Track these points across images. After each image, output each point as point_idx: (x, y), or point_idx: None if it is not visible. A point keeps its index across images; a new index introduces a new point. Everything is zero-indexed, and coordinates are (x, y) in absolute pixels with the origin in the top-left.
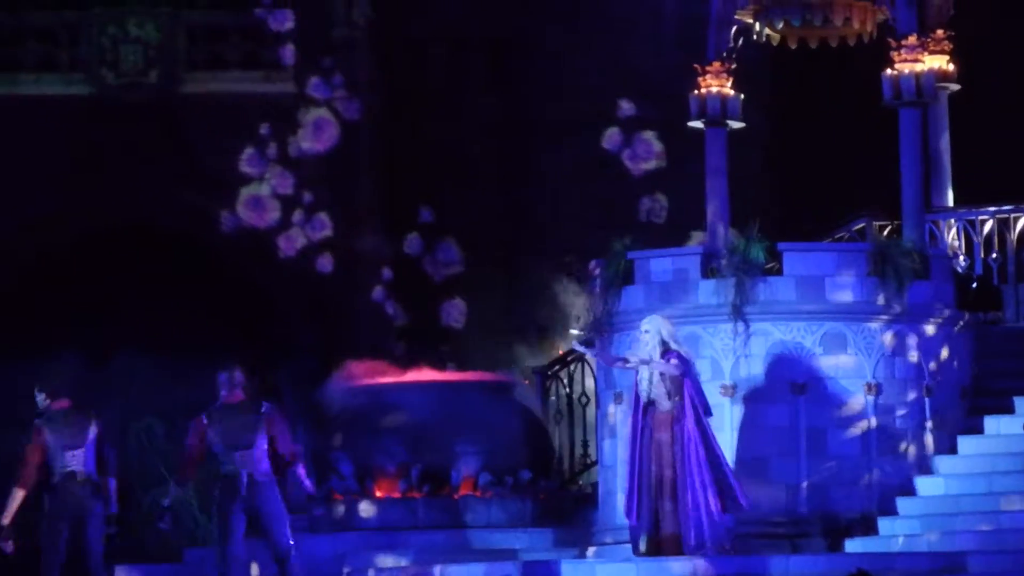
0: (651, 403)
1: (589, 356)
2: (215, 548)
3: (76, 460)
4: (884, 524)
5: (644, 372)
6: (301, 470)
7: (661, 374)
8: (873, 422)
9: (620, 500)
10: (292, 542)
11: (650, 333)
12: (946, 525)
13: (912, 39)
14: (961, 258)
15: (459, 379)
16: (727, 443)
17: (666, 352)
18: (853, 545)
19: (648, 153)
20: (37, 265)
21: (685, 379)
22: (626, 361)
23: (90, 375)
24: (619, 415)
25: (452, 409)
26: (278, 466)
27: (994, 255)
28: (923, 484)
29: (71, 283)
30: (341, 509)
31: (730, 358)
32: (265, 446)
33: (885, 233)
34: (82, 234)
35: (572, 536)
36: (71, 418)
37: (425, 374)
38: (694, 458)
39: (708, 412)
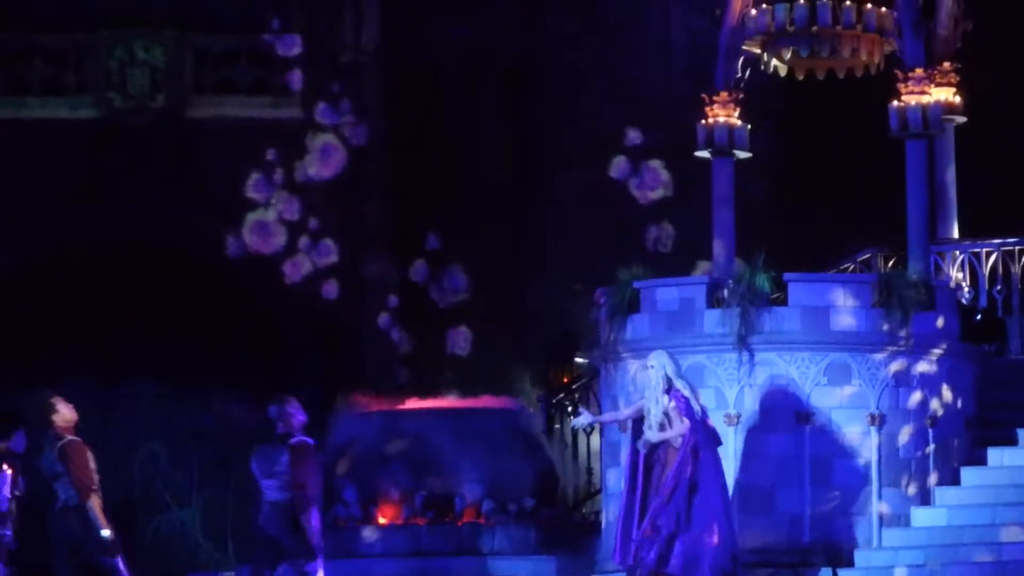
0: (660, 443)
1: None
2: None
3: None
4: (887, 554)
5: (652, 408)
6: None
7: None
8: (877, 453)
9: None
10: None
11: (655, 369)
12: (948, 556)
13: (919, 71)
14: (966, 290)
15: (464, 406)
16: (730, 472)
17: (670, 390)
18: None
19: (655, 182)
20: (42, 289)
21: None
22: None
23: (96, 400)
24: (623, 443)
25: (457, 436)
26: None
27: (999, 287)
28: (925, 515)
29: (77, 307)
30: (345, 535)
31: (734, 387)
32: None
33: (890, 264)
34: (87, 258)
35: (576, 564)
36: None
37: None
38: (681, 500)
39: (718, 442)
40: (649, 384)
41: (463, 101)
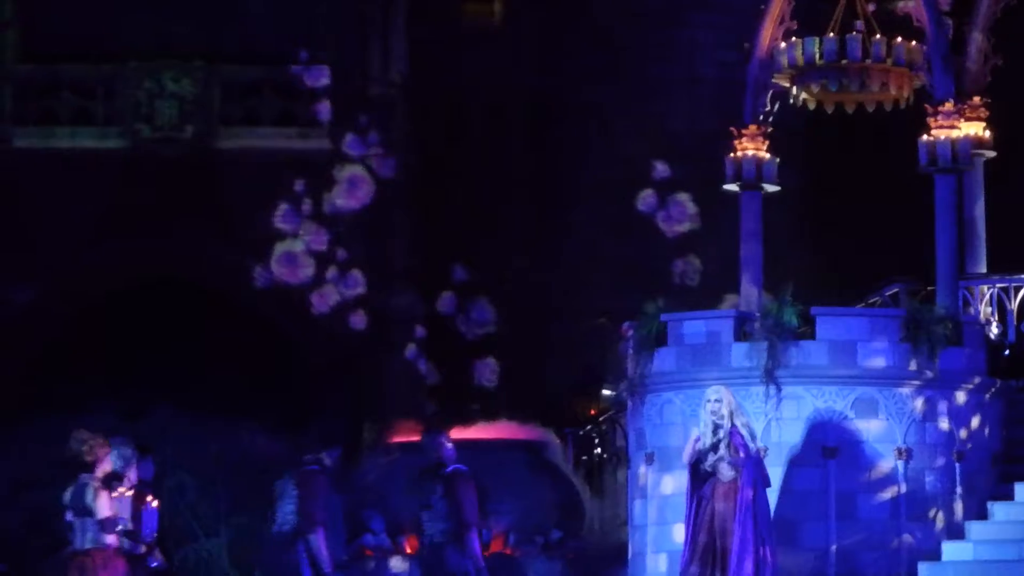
0: (711, 473)
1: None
2: None
3: None
4: None
5: (709, 440)
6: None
7: (729, 445)
8: (903, 487)
9: (656, 562)
10: None
11: (722, 403)
12: None
13: (948, 105)
14: (994, 325)
15: (491, 437)
16: None
17: (731, 425)
18: None
19: (682, 215)
20: (70, 318)
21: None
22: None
23: (123, 430)
24: (650, 476)
25: (483, 467)
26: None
27: None
28: (951, 549)
29: (105, 337)
30: (372, 565)
31: (761, 421)
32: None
33: (918, 299)
34: (115, 288)
35: None
36: None
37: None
38: (750, 528)
39: (767, 483)
40: (710, 418)
41: (490, 134)
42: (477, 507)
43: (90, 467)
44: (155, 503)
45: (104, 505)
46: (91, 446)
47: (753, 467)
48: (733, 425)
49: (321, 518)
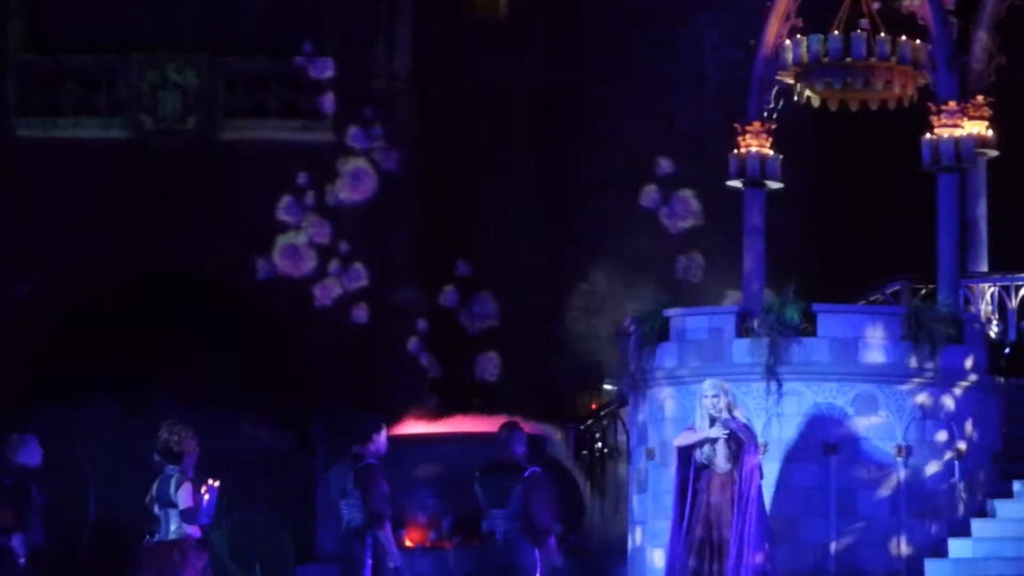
0: (705, 466)
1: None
2: None
3: None
4: None
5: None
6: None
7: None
8: (903, 484)
9: (654, 556)
10: None
11: (720, 397)
12: None
13: (952, 104)
14: (995, 324)
15: (491, 431)
16: None
17: (732, 417)
18: None
19: (686, 211)
20: (71, 310)
21: (747, 444)
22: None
23: (124, 422)
24: (650, 471)
25: (485, 461)
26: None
27: None
28: (953, 546)
29: (107, 329)
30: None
31: (762, 417)
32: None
33: (920, 296)
34: (116, 279)
35: None
36: None
37: (459, 423)
38: (751, 520)
39: (761, 475)
40: (708, 412)
41: (494, 129)
42: (551, 510)
43: (179, 458)
44: (216, 484)
45: (187, 496)
46: (180, 437)
47: (755, 454)
48: (733, 418)
49: (387, 512)
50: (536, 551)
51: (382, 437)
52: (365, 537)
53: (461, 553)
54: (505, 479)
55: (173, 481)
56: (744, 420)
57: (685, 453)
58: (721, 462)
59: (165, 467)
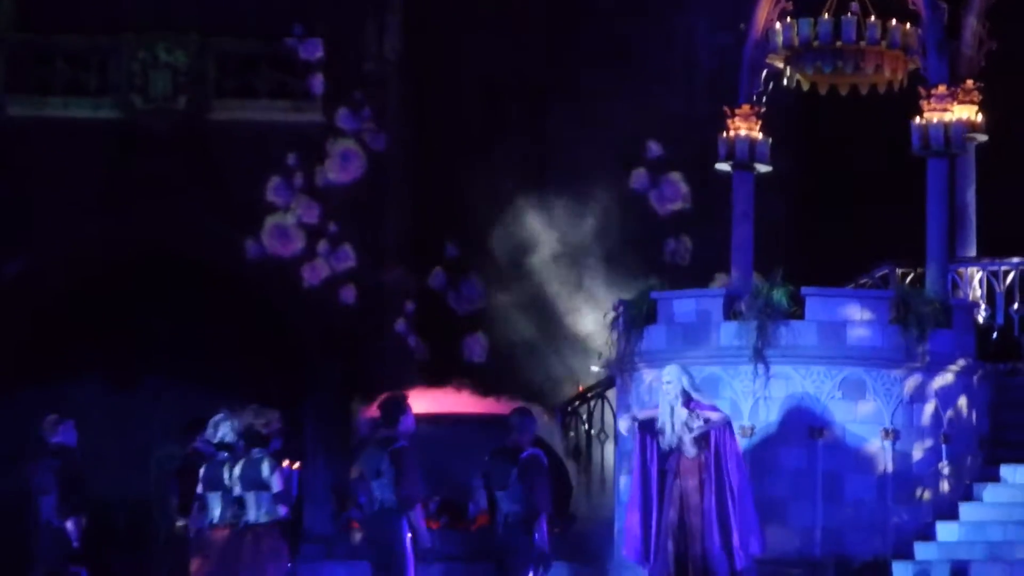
0: (674, 449)
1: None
2: None
3: None
4: (898, 568)
5: (667, 420)
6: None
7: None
8: (890, 468)
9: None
10: None
11: (672, 384)
12: (960, 572)
13: (942, 89)
14: (983, 308)
15: (478, 412)
16: None
17: (690, 402)
18: None
19: (675, 194)
20: (60, 290)
21: (714, 429)
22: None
23: (112, 402)
24: (637, 453)
25: (470, 443)
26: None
27: (1016, 306)
28: (940, 530)
29: (96, 309)
30: (359, 537)
31: (749, 400)
32: None
33: (908, 281)
34: (106, 259)
35: (588, 572)
36: None
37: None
38: (726, 504)
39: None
40: (666, 398)
41: (484, 111)
42: (550, 494)
43: (266, 441)
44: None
45: (280, 479)
46: (268, 420)
47: (731, 437)
48: (694, 400)
49: (419, 495)
50: (533, 534)
51: (409, 417)
52: (401, 518)
53: (447, 535)
54: (507, 462)
55: (265, 464)
56: (708, 403)
57: (644, 431)
58: (688, 447)
59: (251, 450)
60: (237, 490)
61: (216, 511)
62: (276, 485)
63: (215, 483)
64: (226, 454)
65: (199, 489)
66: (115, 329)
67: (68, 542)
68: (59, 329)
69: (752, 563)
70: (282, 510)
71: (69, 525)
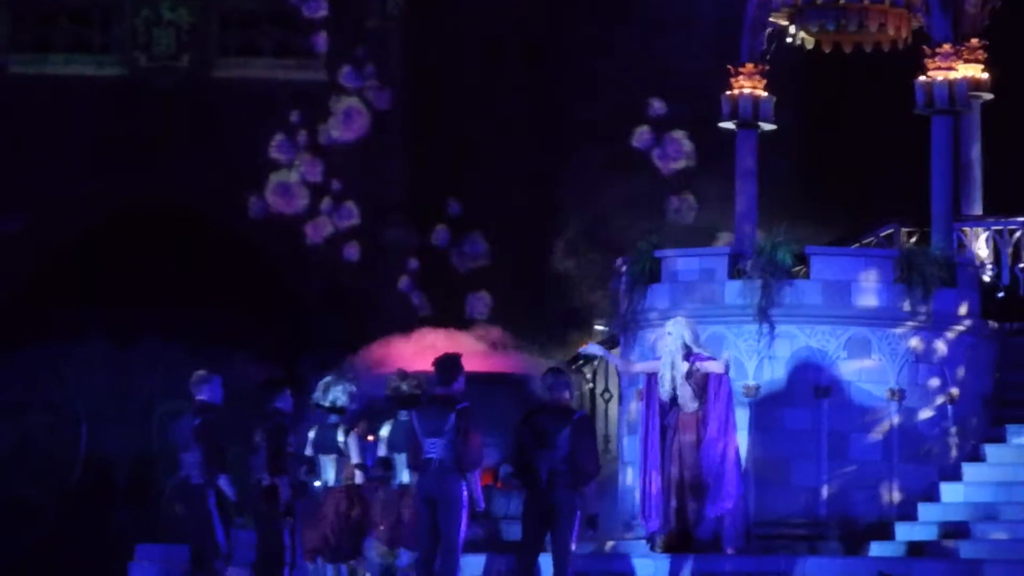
0: (673, 404)
1: (605, 358)
2: None
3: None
4: (903, 529)
5: (666, 373)
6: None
7: (688, 376)
8: (895, 428)
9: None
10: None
11: (673, 336)
12: (965, 532)
13: (946, 47)
14: (988, 267)
15: (480, 371)
16: (745, 444)
17: (690, 355)
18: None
19: (678, 152)
20: (64, 247)
21: (711, 380)
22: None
23: (115, 359)
24: (640, 412)
25: (472, 401)
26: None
27: (1021, 265)
28: (945, 491)
29: (98, 266)
30: None
31: (754, 359)
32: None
33: (913, 240)
34: (110, 216)
35: (589, 532)
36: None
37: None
38: (718, 459)
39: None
40: (667, 350)
41: (486, 69)
42: (596, 454)
43: (343, 410)
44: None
45: (357, 447)
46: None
47: (717, 394)
48: (694, 353)
49: (478, 458)
50: (577, 496)
51: (462, 379)
52: (459, 479)
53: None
54: (552, 422)
55: (341, 430)
56: (709, 354)
57: (650, 392)
58: (687, 401)
59: (329, 416)
60: (309, 450)
61: (331, 473)
62: (355, 455)
63: (328, 446)
64: (336, 417)
65: (308, 451)
66: (117, 286)
67: (226, 498)
68: (61, 285)
69: (741, 520)
70: (358, 476)
71: (222, 483)
